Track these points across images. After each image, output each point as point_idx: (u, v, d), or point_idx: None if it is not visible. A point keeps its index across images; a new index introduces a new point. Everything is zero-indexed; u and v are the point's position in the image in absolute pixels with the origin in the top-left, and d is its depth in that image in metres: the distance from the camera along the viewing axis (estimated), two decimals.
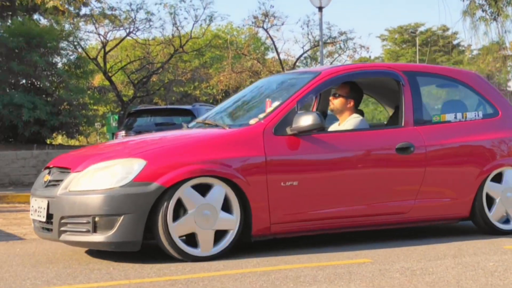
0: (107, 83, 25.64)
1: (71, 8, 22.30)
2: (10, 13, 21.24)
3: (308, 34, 25.97)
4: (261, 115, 5.30)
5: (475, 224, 5.83)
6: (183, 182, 4.75)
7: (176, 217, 4.77)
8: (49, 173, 5.19)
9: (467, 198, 5.68)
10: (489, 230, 5.76)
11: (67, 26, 22.01)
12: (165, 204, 4.70)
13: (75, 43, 22.44)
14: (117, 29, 24.93)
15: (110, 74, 25.13)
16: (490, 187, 5.76)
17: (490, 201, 5.78)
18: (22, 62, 17.74)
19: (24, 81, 18.72)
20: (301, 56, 27.36)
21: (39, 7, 21.42)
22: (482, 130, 5.85)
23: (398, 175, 5.48)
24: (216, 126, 5.53)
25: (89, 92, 20.86)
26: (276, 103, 5.37)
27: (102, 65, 24.14)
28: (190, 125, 6.05)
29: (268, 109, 5.36)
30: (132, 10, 24.52)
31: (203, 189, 4.85)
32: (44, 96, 18.45)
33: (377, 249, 5.16)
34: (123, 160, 4.82)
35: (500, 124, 5.97)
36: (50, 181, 5.07)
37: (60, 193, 4.83)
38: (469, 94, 6.12)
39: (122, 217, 4.63)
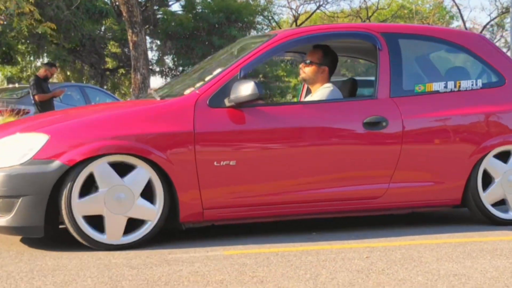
0: None
1: None
2: None
3: (495, 0, 25.02)
4: (198, 84, 4.60)
5: (470, 211, 5.02)
6: (90, 160, 4.11)
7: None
8: None
9: (458, 181, 4.84)
10: (485, 219, 4.95)
11: (262, 1, 22.96)
12: (69, 185, 4.07)
13: (269, 18, 23.37)
14: (308, 2, 25.57)
15: None
16: (490, 164, 4.89)
17: (487, 182, 4.93)
18: (222, 37, 18.85)
19: None
20: (487, 24, 26.56)
21: None
22: (479, 101, 4.94)
23: (366, 154, 4.67)
24: (152, 97, 4.91)
25: (281, 65, 21.68)
26: (217, 70, 4.66)
27: None
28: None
29: (207, 77, 4.66)
30: None
31: (125, 170, 4.21)
32: None
33: None
34: (25, 135, 4.22)
35: (505, 94, 5.02)
36: None
37: None
38: (468, 59, 5.23)
39: (20, 199, 4.04)
